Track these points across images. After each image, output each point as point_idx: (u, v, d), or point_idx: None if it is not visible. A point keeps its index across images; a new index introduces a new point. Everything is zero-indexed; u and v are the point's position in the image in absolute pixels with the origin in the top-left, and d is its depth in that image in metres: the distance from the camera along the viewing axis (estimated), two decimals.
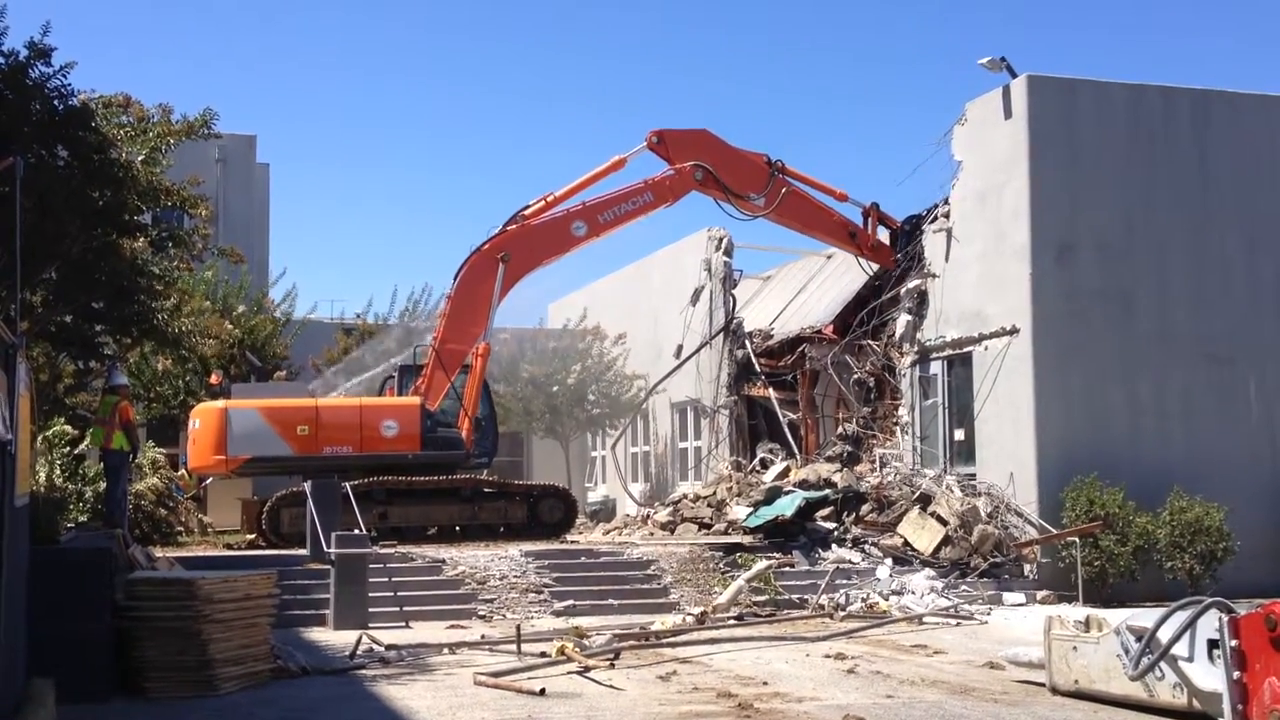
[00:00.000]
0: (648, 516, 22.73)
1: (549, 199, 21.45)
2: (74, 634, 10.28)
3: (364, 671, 12.02)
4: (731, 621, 15.38)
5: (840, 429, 23.54)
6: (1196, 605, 9.25)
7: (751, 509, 19.98)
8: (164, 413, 25.42)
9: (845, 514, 19.87)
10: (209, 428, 19.75)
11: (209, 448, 19.68)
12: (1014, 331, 19.11)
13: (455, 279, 20.89)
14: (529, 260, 21.30)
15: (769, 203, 22.23)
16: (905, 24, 72.28)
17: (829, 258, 27.52)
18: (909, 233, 22.59)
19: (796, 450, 23.86)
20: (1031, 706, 10.17)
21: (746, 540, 19.06)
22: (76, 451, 20.29)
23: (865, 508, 19.93)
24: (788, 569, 17.87)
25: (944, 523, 18.60)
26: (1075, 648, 10.38)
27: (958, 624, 15.64)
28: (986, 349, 19.72)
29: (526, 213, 21.34)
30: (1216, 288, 19.67)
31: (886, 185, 52.44)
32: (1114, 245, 19.34)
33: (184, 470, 21.82)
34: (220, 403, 20.18)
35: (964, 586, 17.64)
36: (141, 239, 14.51)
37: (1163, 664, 9.35)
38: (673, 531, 21.09)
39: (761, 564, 17.37)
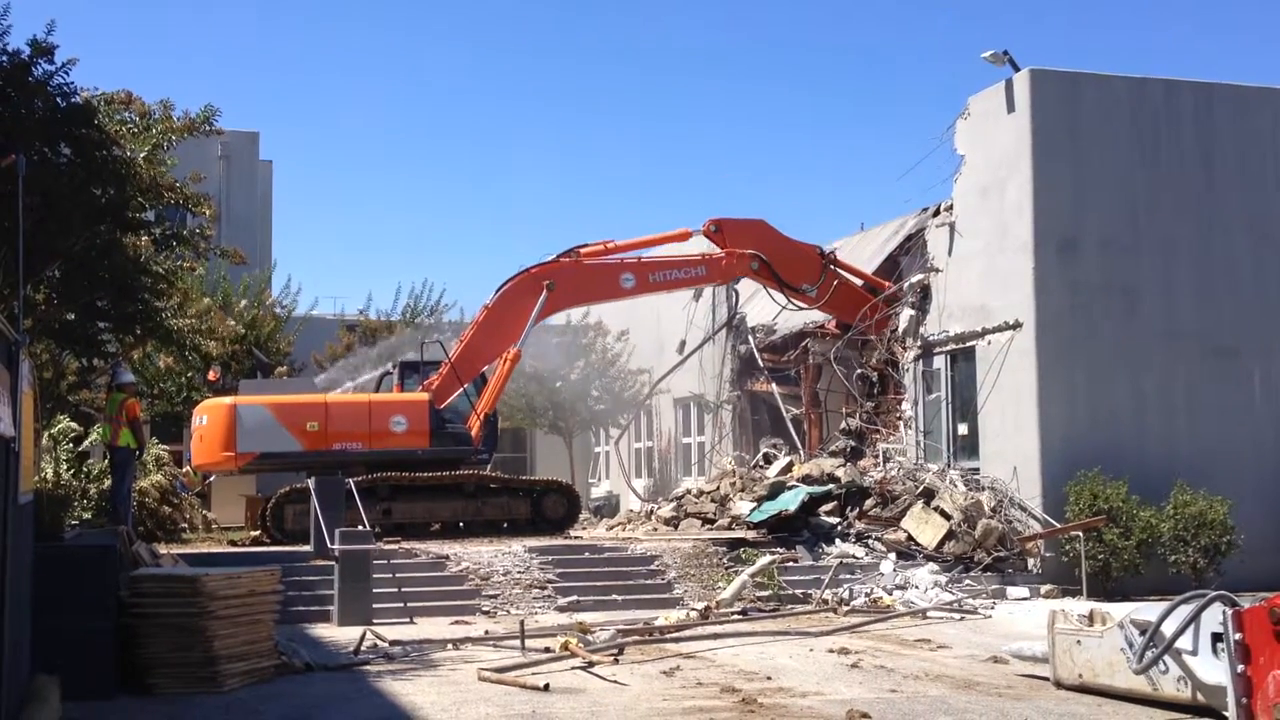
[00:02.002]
0: (651, 512, 22.74)
1: (608, 245, 22.12)
2: (78, 630, 10.29)
3: (368, 667, 12.04)
4: (735, 616, 15.38)
5: (843, 424, 23.53)
6: (1200, 599, 9.25)
7: (755, 504, 19.98)
8: (167, 409, 25.46)
9: (849, 509, 19.87)
10: (218, 424, 19.75)
11: (218, 444, 19.69)
12: (1017, 326, 19.10)
13: (497, 292, 21.21)
14: (573, 296, 22.02)
15: (821, 294, 22.64)
16: (907, 18, 72.24)
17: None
18: None
19: (800, 445, 23.86)
20: (1035, 701, 10.17)
21: (750, 535, 19.07)
22: (80, 448, 20.31)
23: (869, 502, 19.92)
24: (791, 564, 17.87)
25: (947, 517, 18.60)
26: (1079, 642, 10.38)
27: (961, 618, 15.64)
28: (990, 343, 19.70)
29: (583, 251, 21.80)
30: (1221, 281, 19.64)
31: (887, 180, 52.40)
32: (1117, 239, 19.31)
33: (188, 467, 21.84)
34: (229, 399, 20.19)
35: (967, 581, 17.65)
36: (144, 236, 14.51)
37: (1167, 658, 9.35)
38: (676, 527, 21.10)
39: (765, 559, 17.36)
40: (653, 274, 22.04)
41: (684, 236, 22.98)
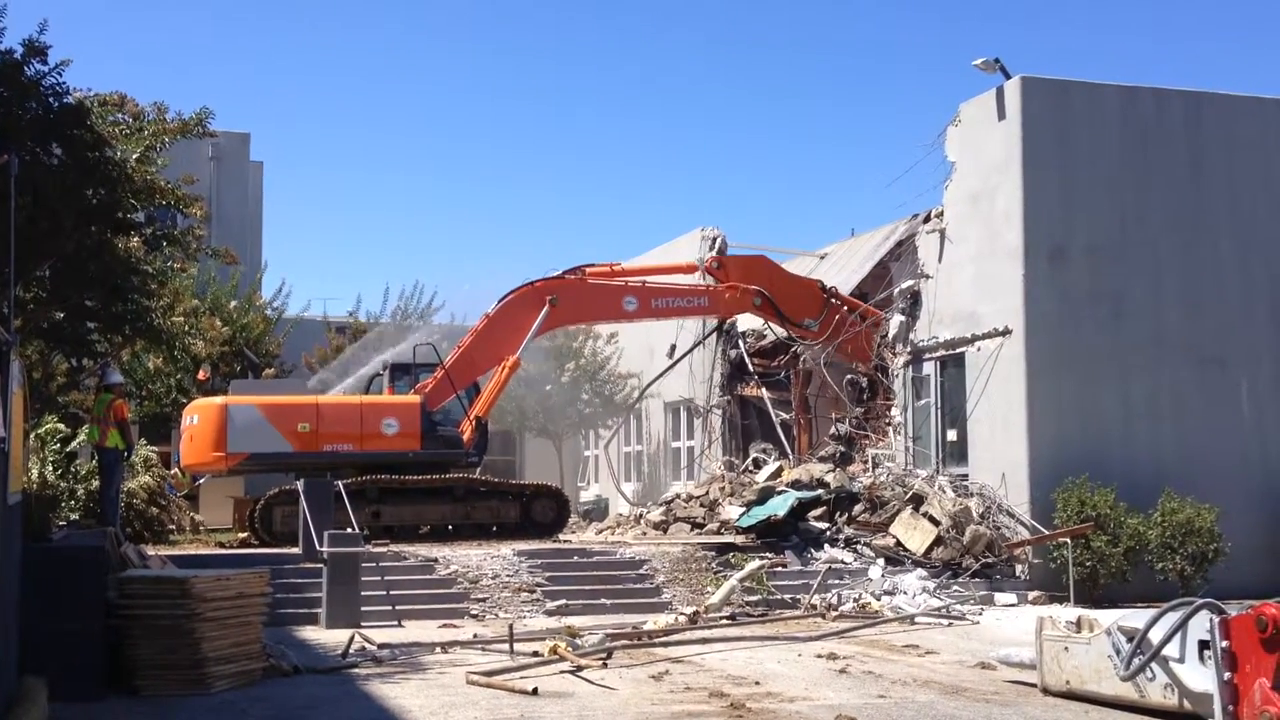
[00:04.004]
0: (640, 516, 22.75)
1: (614, 267, 22.49)
2: (67, 632, 10.27)
3: (356, 670, 12.03)
4: (724, 621, 15.40)
5: (833, 429, 23.56)
6: (1187, 606, 9.28)
7: (744, 509, 20.00)
8: (156, 410, 25.41)
9: (838, 514, 19.89)
10: (208, 424, 19.70)
11: (208, 444, 19.64)
12: (1006, 332, 19.15)
13: (499, 301, 21.33)
14: (574, 313, 22.30)
15: (823, 329, 22.75)
16: (899, 25, 72.40)
17: (821, 258, 27.57)
18: None
19: (789, 450, 23.88)
20: (1023, 707, 10.20)
21: (739, 540, 19.09)
22: (69, 449, 20.26)
23: (858, 508, 19.94)
24: (780, 569, 17.89)
25: (936, 523, 18.64)
26: (1067, 648, 10.41)
27: (949, 624, 15.67)
28: (979, 350, 19.76)
29: (589, 270, 22.06)
30: (1208, 290, 19.72)
31: (878, 186, 52.51)
32: (1107, 247, 19.38)
33: (176, 468, 21.79)
34: (220, 399, 20.15)
35: (956, 587, 17.68)
36: (135, 237, 14.49)
37: (1154, 665, 9.39)
38: (665, 531, 21.12)
39: (754, 564, 17.38)
40: (655, 300, 22.19)
41: (691, 269, 23.36)
